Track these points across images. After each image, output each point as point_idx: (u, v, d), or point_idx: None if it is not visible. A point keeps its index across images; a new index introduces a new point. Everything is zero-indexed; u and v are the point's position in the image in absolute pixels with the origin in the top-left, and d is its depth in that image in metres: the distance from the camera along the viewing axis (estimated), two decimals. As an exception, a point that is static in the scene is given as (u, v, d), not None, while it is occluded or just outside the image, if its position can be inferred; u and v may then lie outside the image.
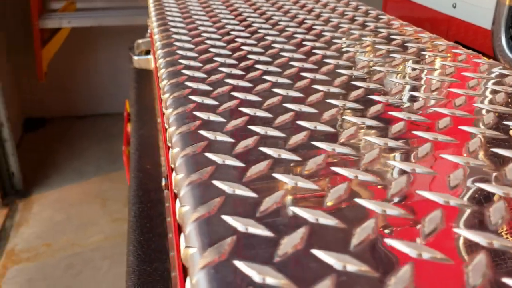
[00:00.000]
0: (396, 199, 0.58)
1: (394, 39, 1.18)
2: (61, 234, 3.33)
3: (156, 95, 1.93)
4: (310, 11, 1.43)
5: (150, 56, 1.65)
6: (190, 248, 0.49)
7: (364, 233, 0.51)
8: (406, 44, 1.15)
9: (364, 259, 0.48)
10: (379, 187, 0.60)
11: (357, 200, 0.57)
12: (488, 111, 0.79)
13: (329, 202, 0.56)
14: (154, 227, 1.22)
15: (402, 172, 0.63)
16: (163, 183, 0.83)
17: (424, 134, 0.73)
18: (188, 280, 0.48)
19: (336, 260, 0.47)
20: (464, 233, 0.52)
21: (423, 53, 1.07)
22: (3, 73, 3.57)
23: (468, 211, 0.56)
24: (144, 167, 1.47)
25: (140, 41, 1.85)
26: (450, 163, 0.66)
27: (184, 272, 0.54)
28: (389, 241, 0.51)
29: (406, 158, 0.67)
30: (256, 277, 0.45)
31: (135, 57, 1.68)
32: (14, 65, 4.43)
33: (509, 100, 0.84)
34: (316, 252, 0.48)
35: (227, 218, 0.53)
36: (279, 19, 1.34)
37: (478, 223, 0.54)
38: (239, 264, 0.47)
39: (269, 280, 0.45)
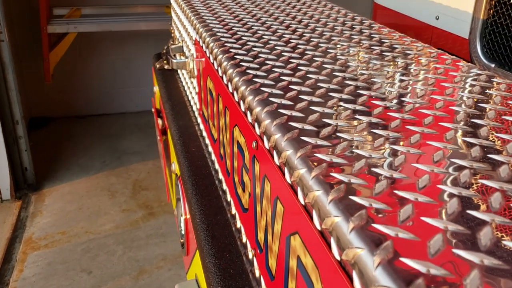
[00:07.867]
0: None
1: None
2: (74, 222, 3.57)
3: (185, 92, 2.26)
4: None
5: (186, 60, 1.98)
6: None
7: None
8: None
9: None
10: None
11: None
12: (467, 98, 1.14)
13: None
14: (210, 192, 1.55)
15: None
16: (253, 145, 1.12)
17: None
18: None
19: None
20: None
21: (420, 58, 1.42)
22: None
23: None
24: (190, 149, 1.80)
25: (172, 46, 2.19)
26: None
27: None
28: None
29: None
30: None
31: (174, 60, 2.00)
32: (20, 68, 4.65)
33: (483, 90, 1.19)
34: None
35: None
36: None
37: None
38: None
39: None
